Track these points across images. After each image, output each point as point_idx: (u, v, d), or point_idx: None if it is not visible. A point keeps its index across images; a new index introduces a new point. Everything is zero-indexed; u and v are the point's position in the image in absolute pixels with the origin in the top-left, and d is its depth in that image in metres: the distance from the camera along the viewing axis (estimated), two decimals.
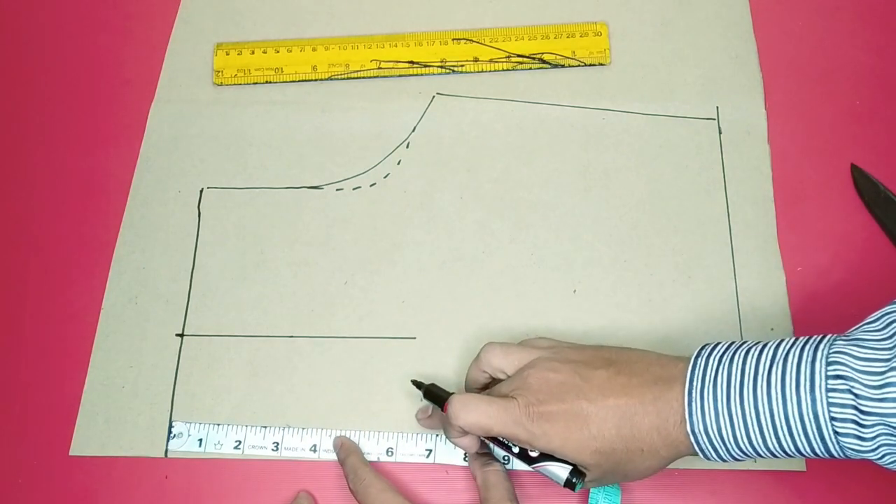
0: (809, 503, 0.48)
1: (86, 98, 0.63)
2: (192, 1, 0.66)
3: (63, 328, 0.55)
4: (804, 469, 0.49)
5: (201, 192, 0.59)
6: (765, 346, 0.40)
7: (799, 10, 0.62)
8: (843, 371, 0.37)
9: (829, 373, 0.37)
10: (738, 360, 0.40)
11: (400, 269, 0.55)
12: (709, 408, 0.39)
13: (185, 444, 0.51)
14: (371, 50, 0.62)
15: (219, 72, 0.63)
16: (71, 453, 0.52)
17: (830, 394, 0.37)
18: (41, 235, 0.58)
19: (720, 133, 0.58)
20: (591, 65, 0.61)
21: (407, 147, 0.60)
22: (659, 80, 0.60)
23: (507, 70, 0.62)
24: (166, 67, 0.64)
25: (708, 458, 0.41)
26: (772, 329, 0.52)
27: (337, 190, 0.58)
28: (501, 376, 0.45)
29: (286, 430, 0.51)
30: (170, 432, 0.52)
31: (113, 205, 0.59)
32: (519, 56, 0.62)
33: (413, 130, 0.60)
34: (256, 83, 0.62)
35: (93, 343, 0.54)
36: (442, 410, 0.45)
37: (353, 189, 0.58)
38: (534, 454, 0.43)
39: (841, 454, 0.38)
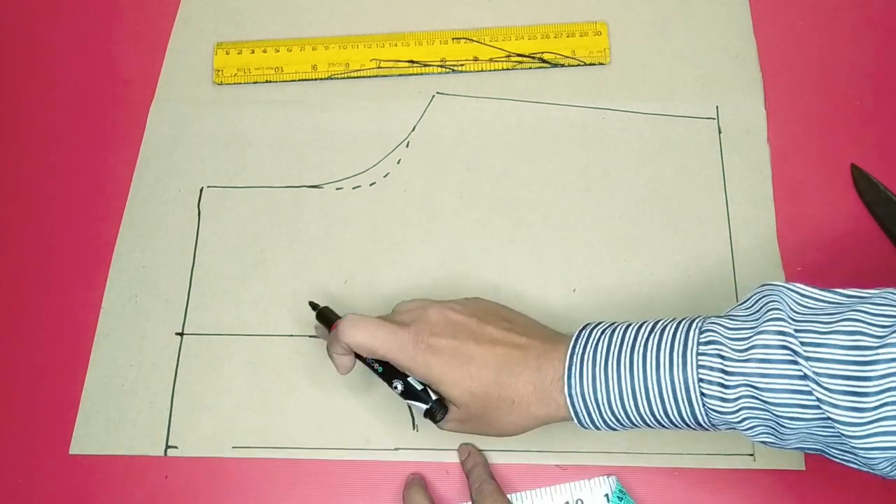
0: (809, 503, 0.48)
1: (86, 98, 0.63)
2: (192, 0, 0.66)
3: (63, 327, 0.55)
4: (804, 468, 0.49)
5: (201, 191, 0.59)
6: (646, 321, 0.43)
7: (799, 10, 0.62)
8: (713, 337, 0.40)
9: (701, 340, 0.40)
10: (619, 331, 0.43)
11: (400, 269, 0.55)
12: (587, 370, 0.42)
13: (184, 445, 0.51)
14: (371, 49, 0.62)
15: (219, 71, 0.63)
16: (71, 452, 0.52)
17: (700, 357, 0.39)
18: (41, 235, 0.58)
19: (720, 133, 0.58)
20: (590, 64, 0.61)
21: (407, 146, 0.60)
22: (659, 80, 0.60)
23: (507, 69, 0.62)
24: (166, 67, 0.64)
25: (582, 424, 0.43)
26: None
27: (337, 189, 0.59)
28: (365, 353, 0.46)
29: (286, 429, 0.51)
30: (169, 432, 0.52)
31: (113, 204, 0.59)
32: (519, 55, 0.62)
33: (413, 130, 0.60)
34: (256, 82, 0.62)
35: (93, 342, 0.54)
36: (330, 330, 0.48)
37: (353, 188, 0.58)
38: (397, 389, 0.46)
39: (706, 420, 0.40)
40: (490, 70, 0.62)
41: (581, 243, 0.56)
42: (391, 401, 0.51)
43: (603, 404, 0.41)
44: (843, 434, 0.37)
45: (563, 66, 0.61)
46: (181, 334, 0.54)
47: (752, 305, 0.41)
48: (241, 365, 0.53)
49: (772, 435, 0.40)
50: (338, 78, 0.62)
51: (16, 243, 0.58)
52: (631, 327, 0.43)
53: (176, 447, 0.51)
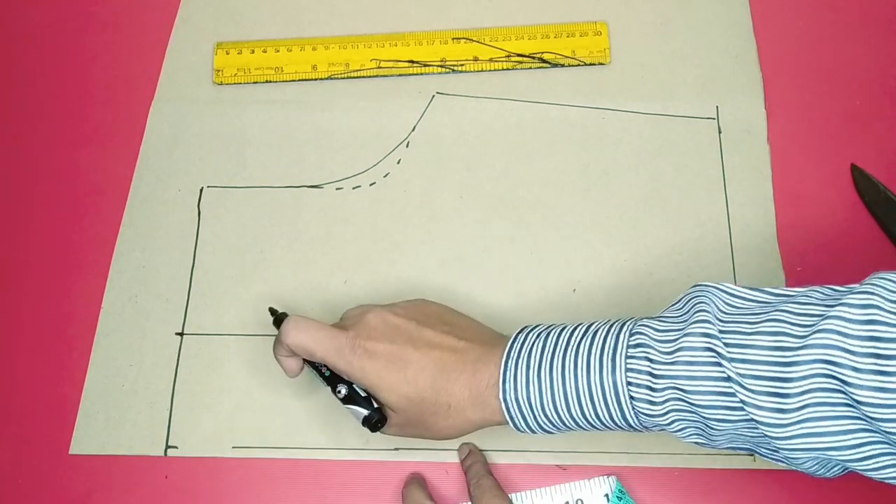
0: (808, 503, 0.48)
1: (86, 97, 0.63)
2: (191, 0, 0.66)
3: (63, 327, 0.55)
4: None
5: (201, 190, 0.59)
6: (581, 324, 0.43)
7: (799, 10, 0.62)
8: (641, 339, 0.40)
9: (630, 342, 0.40)
10: (553, 334, 0.43)
11: (400, 269, 0.55)
12: (521, 375, 0.42)
13: (184, 445, 0.51)
14: (371, 49, 0.62)
15: (219, 71, 0.63)
16: (71, 452, 0.52)
17: (629, 360, 0.40)
18: (41, 234, 0.58)
19: (720, 133, 0.58)
20: (590, 64, 0.61)
21: (407, 146, 0.60)
22: (659, 80, 0.60)
23: (507, 69, 0.62)
24: (166, 66, 0.64)
25: (518, 428, 0.43)
26: None
27: (337, 189, 0.59)
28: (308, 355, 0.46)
29: (286, 429, 0.51)
30: (169, 432, 0.52)
31: (113, 204, 0.59)
32: (519, 55, 0.62)
33: (413, 130, 0.60)
34: (256, 82, 0.62)
35: (93, 342, 0.54)
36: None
37: (353, 188, 0.58)
38: (340, 393, 0.45)
39: (636, 422, 0.41)
40: (490, 70, 0.62)
41: (581, 243, 0.56)
42: None
43: (536, 408, 0.42)
44: (766, 435, 0.37)
45: (563, 66, 0.61)
46: (181, 334, 0.54)
47: (683, 307, 0.41)
48: (241, 365, 0.53)
49: (701, 436, 0.40)
50: (338, 78, 0.62)
51: (16, 243, 0.58)
52: (566, 330, 0.43)
53: (176, 447, 0.51)
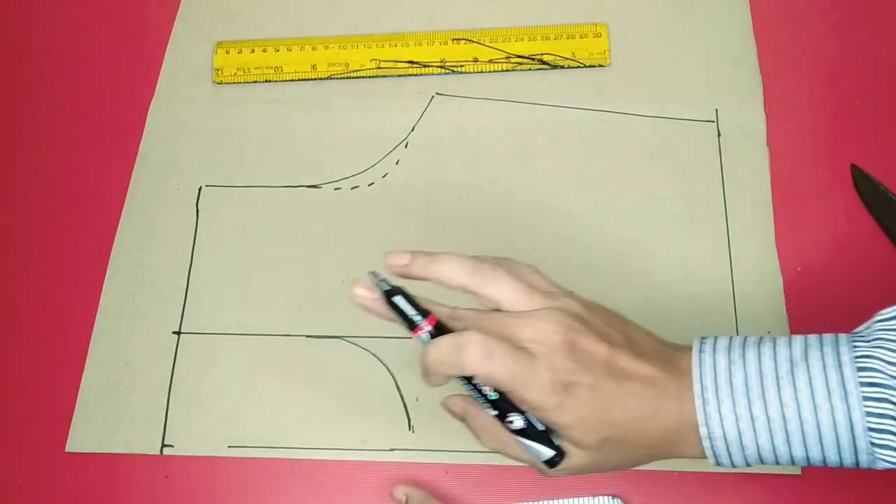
0: None
1: (86, 96, 0.63)
2: (192, 0, 0.66)
3: (60, 325, 0.55)
4: (800, 473, 0.48)
5: (200, 190, 0.59)
6: (776, 343, 0.37)
7: (799, 11, 0.62)
8: (877, 378, 0.34)
9: (862, 379, 0.34)
10: (751, 359, 0.36)
11: None
12: (727, 411, 0.35)
13: (180, 443, 0.51)
14: (371, 49, 0.62)
15: (218, 70, 0.63)
16: (67, 450, 0.51)
17: (867, 403, 0.34)
18: (40, 233, 0.58)
19: (719, 135, 0.58)
20: (590, 66, 0.61)
21: (406, 147, 0.60)
22: (658, 82, 0.60)
23: (507, 71, 0.62)
24: (166, 65, 0.64)
25: (719, 465, 0.37)
26: (768, 332, 0.52)
27: (335, 189, 0.58)
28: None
29: (283, 429, 0.51)
30: (165, 431, 0.51)
31: (111, 202, 0.59)
32: (518, 57, 0.62)
33: (412, 130, 0.60)
34: (256, 82, 0.62)
35: (90, 340, 0.54)
36: (412, 329, 0.38)
37: (352, 188, 0.58)
38: (513, 425, 0.37)
39: (868, 465, 0.36)
40: (490, 71, 0.62)
41: (579, 246, 0.55)
42: (387, 401, 0.51)
43: (748, 447, 0.36)
44: None
45: (562, 67, 0.61)
46: (178, 333, 0.54)
47: None
48: (238, 364, 0.53)
49: None
50: (337, 78, 0.62)
51: (14, 241, 0.58)
52: (764, 354, 0.36)
53: (172, 446, 0.51)
